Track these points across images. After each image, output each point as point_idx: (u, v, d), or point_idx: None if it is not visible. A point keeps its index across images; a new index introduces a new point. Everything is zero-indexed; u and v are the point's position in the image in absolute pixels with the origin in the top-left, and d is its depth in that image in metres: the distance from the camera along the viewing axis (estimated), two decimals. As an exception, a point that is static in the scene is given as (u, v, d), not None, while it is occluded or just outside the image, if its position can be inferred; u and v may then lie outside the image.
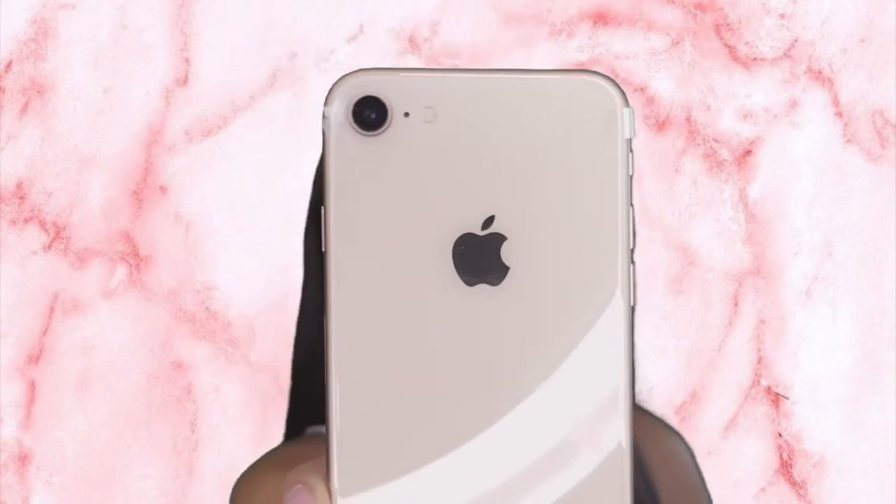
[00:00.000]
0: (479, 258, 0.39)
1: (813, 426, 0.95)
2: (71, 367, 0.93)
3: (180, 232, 0.94)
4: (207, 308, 0.94)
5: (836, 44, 0.94)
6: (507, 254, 0.39)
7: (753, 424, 0.95)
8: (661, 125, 0.94)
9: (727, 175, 0.94)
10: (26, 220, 0.93)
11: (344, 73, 0.39)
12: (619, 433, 0.39)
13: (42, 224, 0.93)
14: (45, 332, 0.93)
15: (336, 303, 0.39)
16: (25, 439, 0.94)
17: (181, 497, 0.94)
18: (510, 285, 0.39)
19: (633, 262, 0.39)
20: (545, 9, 0.94)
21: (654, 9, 0.94)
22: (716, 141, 0.94)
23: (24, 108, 0.93)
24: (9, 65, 0.93)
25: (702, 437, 0.94)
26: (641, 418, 0.53)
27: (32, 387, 0.94)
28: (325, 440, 0.40)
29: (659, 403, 0.94)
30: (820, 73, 0.95)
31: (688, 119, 0.94)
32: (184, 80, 0.94)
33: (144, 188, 0.94)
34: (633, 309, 0.39)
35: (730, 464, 0.95)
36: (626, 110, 0.39)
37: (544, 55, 0.94)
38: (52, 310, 0.93)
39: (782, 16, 0.94)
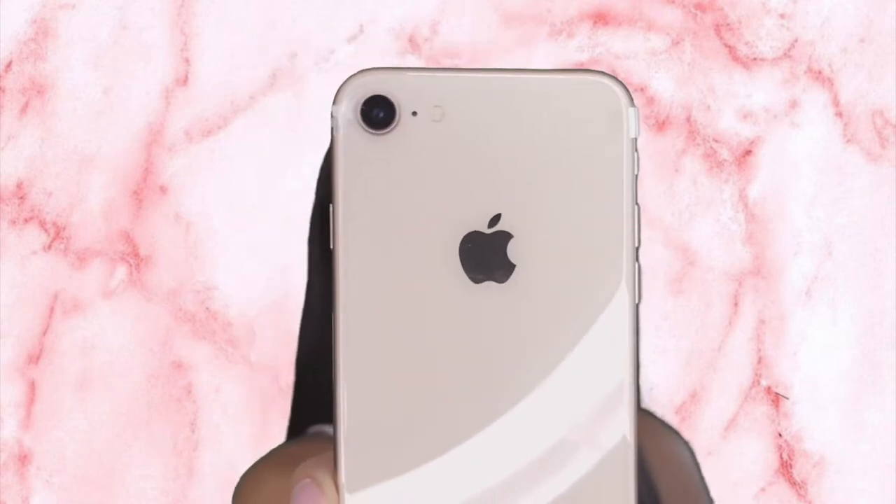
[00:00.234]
0: (486, 256, 0.39)
1: (813, 426, 0.95)
2: (71, 367, 0.93)
3: (180, 232, 0.94)
4: (207, 308, 0.94)
5: (836, 44, 0.94)
6: (513, 252, 0.40)
7: (753, 424, 0.95)
8: (661, 125, 0.94)
9: (727, 175, 0.95)
10: (26, 220, 0.93)
11: (352, 73, 0.39)
12: (623, 428, 0.39)
13: (42, 224, 0.93)
14: (45, 332, 0.93)
15: (344, 300, 0.39)
16: (25, 439, 0.94)
17: (181, 497, 0.94)
18: (516, 283, 0.39)
19: (637, 260, 0.40)
20: (545, 9, 0.94)
21: (654, 9, 0.94)
22: (716, 141, 0.95)
23: (24, 108, 0.93)
24: (9, 65, 0.93)
25: (702, 437, 0.95)
26: (642, 418, 0.54)
27: (32, 387, 0.93)
28: (327, 439, 0.40)
29: (659, 403, 0.94)
30: (820, 73, 0.95)
31: (688, 119, 0.94)
32: (184, 80, 0.94)
33: (144, 188, 0.94)
34: (637, 306, 0.40)
35: (730, 464, 0.95)
36: (631, 110, 0.39)
37: (544, 55, 0.94)
38: (52, 310, 0.93)
39: (782, 16, 0.94)
